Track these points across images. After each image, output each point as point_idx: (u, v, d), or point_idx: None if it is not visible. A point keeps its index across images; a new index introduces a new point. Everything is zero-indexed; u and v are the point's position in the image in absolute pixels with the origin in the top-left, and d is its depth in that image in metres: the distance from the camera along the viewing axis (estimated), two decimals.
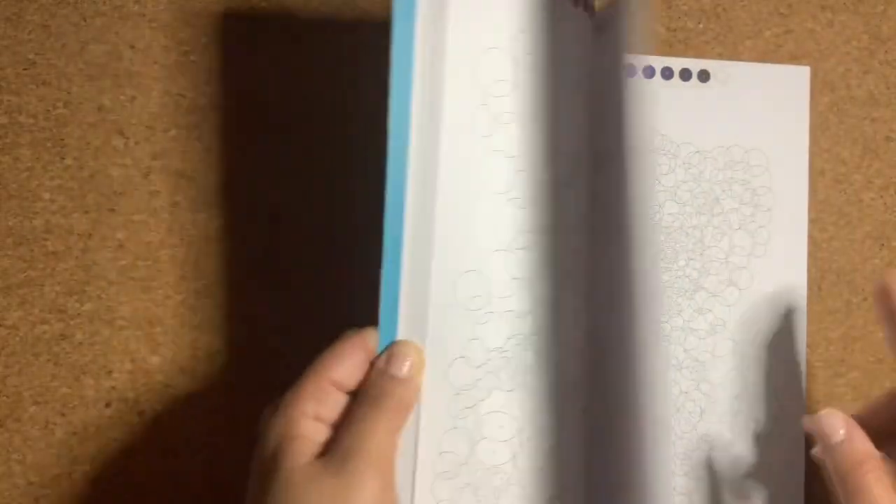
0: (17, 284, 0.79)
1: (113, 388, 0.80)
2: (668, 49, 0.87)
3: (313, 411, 0.58)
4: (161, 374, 0.81)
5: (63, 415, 0.79)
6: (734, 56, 0.87)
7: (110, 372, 0.80)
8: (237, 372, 0.81)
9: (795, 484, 0.81)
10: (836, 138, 0.88)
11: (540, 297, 0.64)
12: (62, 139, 0.81)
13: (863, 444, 0.66)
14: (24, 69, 0.82)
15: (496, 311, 0.63)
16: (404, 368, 0.60)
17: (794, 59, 0.88)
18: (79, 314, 0.80)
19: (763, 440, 0.82)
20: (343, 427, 0.58)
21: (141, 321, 0.81)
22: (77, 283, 0.80)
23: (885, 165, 0.88)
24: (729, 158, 0.84)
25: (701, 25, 0.87)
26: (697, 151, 0.83)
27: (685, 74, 0.82)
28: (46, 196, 0.80)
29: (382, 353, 0.61)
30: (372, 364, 0.61)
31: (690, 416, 0.82)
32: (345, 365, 0.60)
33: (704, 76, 0.83)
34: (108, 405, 0.80)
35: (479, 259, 0.63)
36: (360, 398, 0.60)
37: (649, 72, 0.82)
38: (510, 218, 0.64)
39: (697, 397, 0.82)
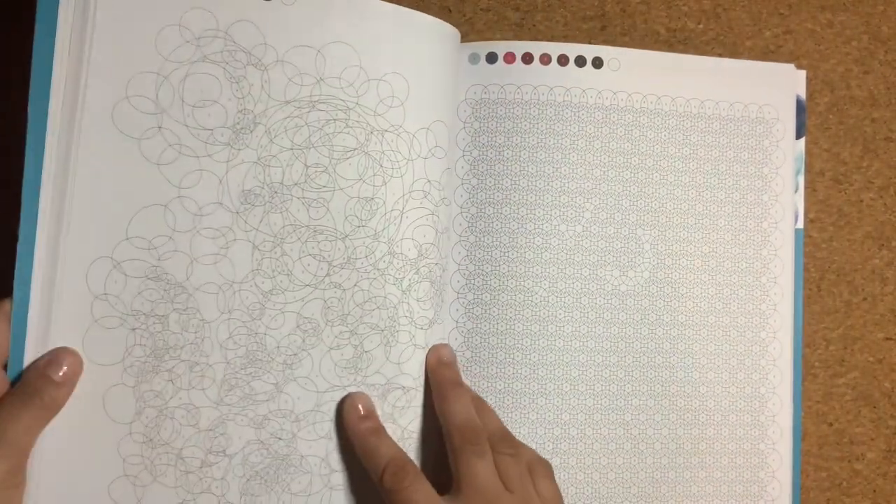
0: None
1: None
2: (668, 49, 0.86)
3: None
4: None
5: None
6: (735, 56, 0.87)
7: None
8: None
9: None
10: (836, 138, 0.87)
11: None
12: None
13: None
14: None
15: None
16: (60, 372, 0.63)
17: (794, 59, 0.87)
18: None
19: None
20: None
21: None
22: None
23: (885, 165, 0.87)
24: None
25: (701, 25, 0.87)
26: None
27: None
28: None
29: (45, 354, 0.64)
30: (32, 363, 0.64)
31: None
32: None
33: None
34: None
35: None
36: (13, 389, 0.63)
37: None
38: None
39: None
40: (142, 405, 0.67)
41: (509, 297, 0.79)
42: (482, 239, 0.79)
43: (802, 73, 0.84)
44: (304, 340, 0.69)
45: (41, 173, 0.64)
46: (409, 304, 0.73)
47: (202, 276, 0.67)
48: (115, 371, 0.66)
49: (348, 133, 0.69)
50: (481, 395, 0.77)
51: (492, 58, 0.80)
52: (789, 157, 0.83)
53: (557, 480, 0.73)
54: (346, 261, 0.69)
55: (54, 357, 0.64)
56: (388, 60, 0.70)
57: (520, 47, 0.80)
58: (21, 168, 0.64)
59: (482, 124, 0.80)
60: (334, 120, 0.68)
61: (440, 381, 0.73)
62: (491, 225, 0.79)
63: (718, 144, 0.83)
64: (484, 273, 0.79)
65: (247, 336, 0.68)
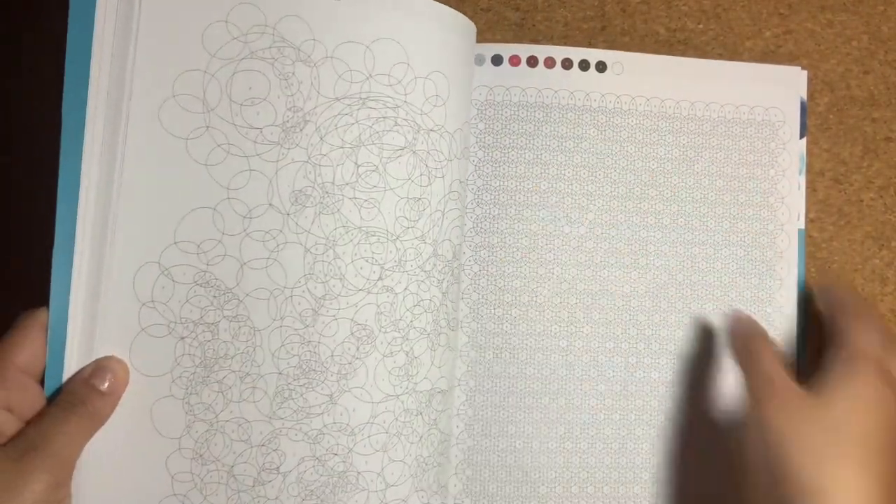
0: None
1: None
2: (669, 49, 0.86)
3: (3, 400, 0.59)
4: None
5: None
6: (735, 56, 0.87)
7: None
8: None
9: None
10: (836, 138, 0.87)
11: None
12: None
13: None
14: None
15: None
16: (106, 382, 0.62)
17: (794, 59, 0.87)
18: None
19: None
20: (33, 422, 0.60)
21: None
22: None
23: (885, 165, 0.88)
24: None
25: (701, 26, 0.87)
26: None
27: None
28: None
29: (90, 364, 0.63)
30: (77, 373, 0.62)
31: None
32: (26, 348, 0.61)
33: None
34: None
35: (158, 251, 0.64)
36: (57, 400, 0.61)
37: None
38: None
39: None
40: (191, 419, 0.64)
41: (514, 298, 0.78)
42: (487, 240, 0.78)
43: (804, 74, 0.85)
44: (358, 348, 0.67)
45: (79, 178, 0.62)
46: (447, 306, 0.72)
47: (252, 281, 0.65)
48: (163, 382, 0.64)
49: (397, 132, 0.67)
50: (486, 395, 0.77)
51: (497, 60, 0.80)
52: (795, 159, 0.84)
53: (562, 481, 0.76)
54: (398, 263, 0.67)
55: (99, 366, 0.62)
56: (433, 59, 0.69)
57: (525, 50, 0.80)
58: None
59: (487, 125, 0.79)
60: (384, 118, 0.67)
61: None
62: (496, 226, 0.79)
63: (724, 147, 0.83)
64: (489, 274, 0.78)
65: (300, 345, 0.65)
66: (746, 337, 0.74)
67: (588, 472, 0.78)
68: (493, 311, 0.78)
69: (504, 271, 0.78)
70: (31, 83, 0.77)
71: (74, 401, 0.61)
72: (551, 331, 0.78)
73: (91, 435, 0.61)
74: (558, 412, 0.78)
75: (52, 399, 0.62)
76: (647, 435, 0.79)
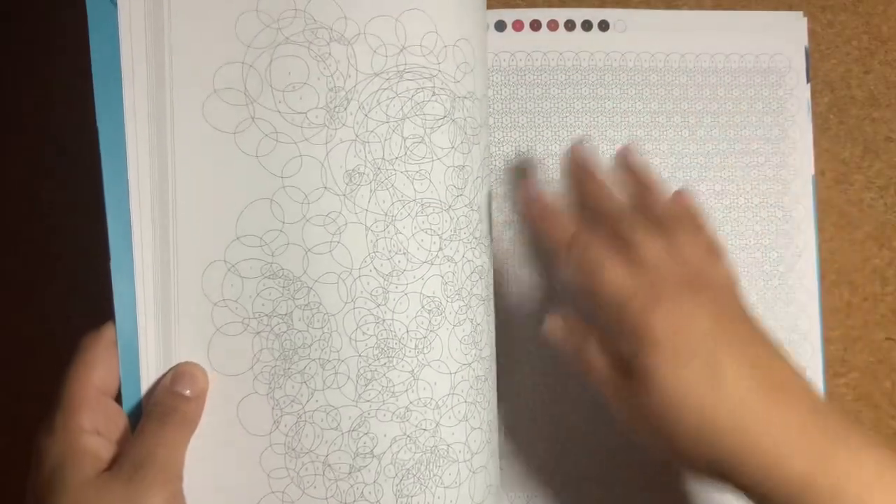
0: None
1: None
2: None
3: (90, 424, 0.59)
4: None
5: None
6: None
7: None
8: None
9: None
10: (836, 138, 0.88)
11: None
12: None
13: None
14: None
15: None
16: (188, 388, 0.62)
17: None
18: None
19: None
20: (132, 441, 0.60)
21: None
22: None
23: (885, 165, 0.88)
24: None
25: None
26: None
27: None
28: None
29: (168, 373, 0.63)
30: (158, 381, 0.63)
31: None
32: (101, 368, 0.61)
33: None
34: None
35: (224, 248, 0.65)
36: (148, 414, 0.61)
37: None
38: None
39: None
40: (278, 413, 0.63)
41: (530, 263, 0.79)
42: (501, 205, 0.80)
43: (805, 21, 0.86)
44: (430, 321, 0.66)
45: (126, 189, 0.62)
46: (491, 272, 0.72)
47: (319, 266, 0.64)
48: (245, 380, 0.63)
49: (436, 101, 0.67)
50: (501, 361, 0.76)
51: (500, 26, 0.81)
52: (803, 104, 0.85)
53: (568, 455, 0.77)
54: (454, 232, 0.67)
55: (179, 373, 0.62)
56: (457, 26, 0.69)
57: (527, 14, 0.81)
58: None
59: (495, 92, 0.80)
60: (422, 89, 0.66)
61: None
62: (507, 191, 0.80)
63: (732, 97, 0.84)
64: (504, 239, 0.79)
65: (374, 324, 0.65)
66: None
67: (600, 442, 0.79)
68: (510, 277, 0.79)
69: (520, 237, 0.79)
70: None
71: (165, 411, 0.61)
72: None
73: (188, 441, 0.61)
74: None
75: (133, 415, 0.61)
76: None
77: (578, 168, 0.74)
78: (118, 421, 0.61)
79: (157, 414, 0.60)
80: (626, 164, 0.73)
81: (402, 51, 0.66)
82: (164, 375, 0.62)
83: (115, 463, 0.58)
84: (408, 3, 0.67)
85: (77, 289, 0.78)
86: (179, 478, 0.60)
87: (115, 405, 0.61)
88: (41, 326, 0.76)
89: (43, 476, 0.57)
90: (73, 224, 0.79)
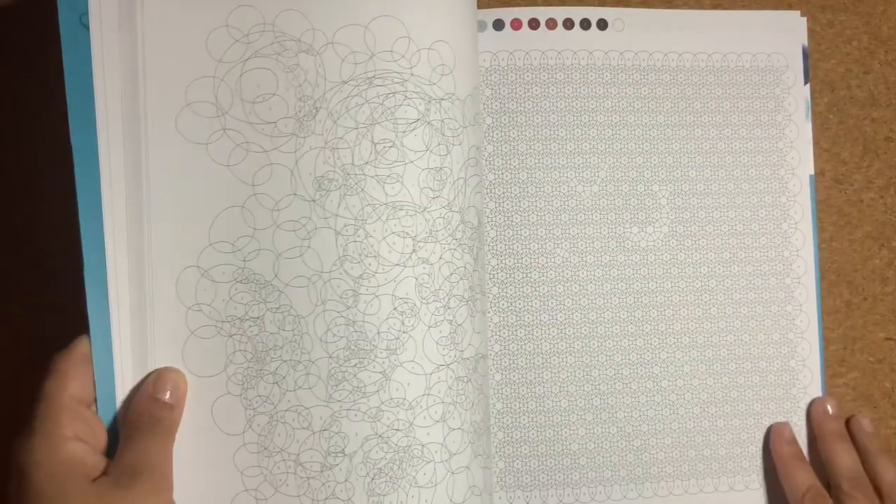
0: None
1: None
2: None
3: (72, 432, 0.60)
4: None
5: None
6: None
7: None
8: None
9: None
10: (836, 138, 0.87)
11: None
12: None
13: None
14: None
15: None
16: (168, 393, 0.63)
17: None
18: None
19: None
20: (123, 450, 0.61)
21: None
22: None
23: (885, 165, 0.87)
24: None
25: None
26: None
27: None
28: None
29: (149, 381, 0.64)
30: (137, 386, 0.64)
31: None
32: (75, 381, 0.61)
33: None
34: None
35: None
36: (134, 423, 0.62)
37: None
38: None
39: None
40: (251, 413, 0.65)
41: (531, 261, 0.79)
42: (501, 205, 0.79)
43: (804, 20, 0.85)
44: (403, 322, 0.67)
45: (100, 202, 0.64)
46: (478, 271, 0.72)
47: (290, 270, 0.66)
48: (219, 381, 0.65)
49: (409, 105, 0.68)
50: (510, 358, 0.78)
51: (498, 25, 0.81)
52: (801, 103, 0.84)
53: (589, 439, 0.78)
54: (429, 234, 0.68)
55: (159, 378, 0.64)
56: (434, 29, 0.70)
57: (525, 13, 0.81)
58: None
59: (494, 91, 0.80)
60: (393, 93, 0.68)
61: (826, 434, 0.81)
62: (509, 191, 0.80)
63: (729, 96, 0.84)
64: (505, 238, 0.79)
65: (345, 326, 0.66)
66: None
67: (617, 425, 0.79)
68: (511, 275, 0.79)
69: (520, 234, 0.79)
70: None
71: (151, 419, 0.62)
72: (570, 290, 0.79)
73: (172, 446, 0.63)
74: (584, 369, 0.79)
75: (108, 418, 0.64)
76: (674, 386, 0.80)
77: (823, 431, 0.81)
78: (96, 428, 0.62)
79: (143, 422, 0.62)
80: (861, 428, 0.82)
81: (371, 57, 0.67)
82: (143, 380, 0.64)
83: (105, 471, 0.60)
84: (378, 10, 0.68)
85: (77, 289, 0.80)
86: (171, 482, 0.62)
87: (92, 413, 0.62)
88: (41, 326, 0.77)
89: (34, 485, 0.57)
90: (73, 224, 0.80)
